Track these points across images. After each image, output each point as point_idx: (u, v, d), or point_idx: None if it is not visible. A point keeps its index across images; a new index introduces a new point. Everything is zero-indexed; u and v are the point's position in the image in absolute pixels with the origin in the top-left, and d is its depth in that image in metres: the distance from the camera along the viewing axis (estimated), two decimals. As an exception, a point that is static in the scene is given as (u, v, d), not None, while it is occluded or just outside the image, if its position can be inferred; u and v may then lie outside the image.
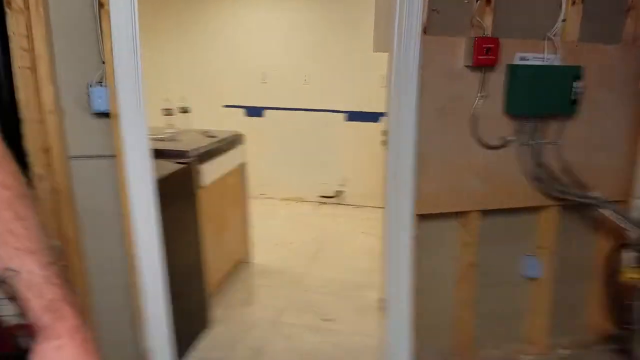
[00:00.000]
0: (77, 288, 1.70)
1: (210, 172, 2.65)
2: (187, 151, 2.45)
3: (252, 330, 2.50)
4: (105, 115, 1.71)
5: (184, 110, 3.21)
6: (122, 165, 1.71)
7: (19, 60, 1.57)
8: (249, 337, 2.44)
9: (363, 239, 3.76)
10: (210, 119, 4.62)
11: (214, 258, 2.69)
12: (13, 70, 1.57)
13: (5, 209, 0.56)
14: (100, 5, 1.60)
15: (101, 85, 1.69)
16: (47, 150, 1.63)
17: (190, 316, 2.38)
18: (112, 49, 1.63)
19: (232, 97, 4.82)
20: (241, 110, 4.84)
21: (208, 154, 2.65)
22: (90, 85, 1.68)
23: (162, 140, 2.71)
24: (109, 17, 1.60)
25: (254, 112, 4.83)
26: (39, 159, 1.63)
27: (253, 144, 4.74)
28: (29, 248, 0.57)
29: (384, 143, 1.95)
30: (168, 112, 3.06)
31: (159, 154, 2.43)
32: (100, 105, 1.70)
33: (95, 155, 1.74)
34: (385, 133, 1.94)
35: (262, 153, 4.80)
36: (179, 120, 3.18)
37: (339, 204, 4.68)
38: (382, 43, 2.18)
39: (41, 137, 1.62)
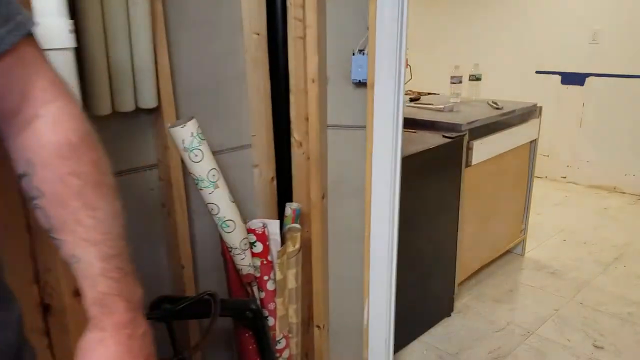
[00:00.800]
0: (316, 249, 1.79)
1: (485, 148, 2.38)
2: (459, 124, 2.25)
3: (497, 333, 2.21)
4: (363, 85, 1.68)
5: (475, 78, 2.95)
6: (370, 137, 1.66)
7: (293, 30, 1.66)
8: (492, 340, 2.16)
9: (692, 258, 2.83)
10: (514, 87, 4.19)
11: (473, 243, 2.46)
12: (288, 40, 1.68)
13: (74, 199, 0.56)
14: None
15: (362, 54, 1.66)
16: (307, 119, 1.72)
17: (430, 299, 2.26)
18: (375, 14, 1.56)
19: (547, 62, 4.21)
20: (556, 77, 4.20)
21: (486, 128, 2.38)
22: (353, 54, 1.67)
23: (439, 111, 2.56)
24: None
25: (573, 79, 4.12)
26: (298, 126, 1.73)
27: (564, 117, 4.10)
28: (94, 239, 0.57)
29: None
30: (456, 80, 2.87)
31: (429, 125, 2.32)
32: (359, 74, 1.67)
33: (349, 125, 1.74)
34: None
35: (573, 128, 4.10)
36: (470, 89, 2.96)
37: (671, 204, 3.64)
38: None
39: (303, 106, 1.71)
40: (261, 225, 1.52)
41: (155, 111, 1.47)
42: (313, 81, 1.68)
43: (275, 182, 1.82)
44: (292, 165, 1.77)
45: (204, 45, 1.60)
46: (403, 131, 2.18)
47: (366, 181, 1.71)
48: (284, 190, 1.82)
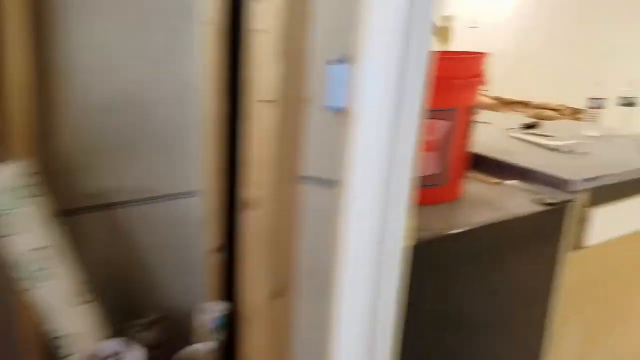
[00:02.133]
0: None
1: (615, 221, 1.45)
2: (569, 180, 1.37)
3: None
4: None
5: (628, 103, 1.96)
6: (343, 196, 0.95)
7: (250, 18, 1.03)
8: None
9: None
10: None
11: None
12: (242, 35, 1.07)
13: None
14: None
15: (342, 63, 0.96)
16: (261, 162, 1.08)
17: None
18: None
19: None
20: None
21: (620, 189, 1.45)
22: (329, 63, 0.98)
23: (554, 151, 1.67)
24: None
25: None
26: (249, 173, 1.10)
27: None
28: None
29: None
30: (595, 104, 1.93)
31: (525, 175, 1.49)
32: (337, 97, 0.98)
33: (324, 178, 1.05)
34: None
35: None
36: (617, 118, 1.99)
37: None
38: None
39: (255, 141, 1.07)
40: (110, 351, 0.90)
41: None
42: (268, 103, 1.03)
43: (223, 255, 1.21)
44: (237, 236, 1.14)
45: (122, 39, 1.08)
46: (478, 179, 1.40)
47: (333, 278, 0.99)
48: (234, 270, 1.20)
